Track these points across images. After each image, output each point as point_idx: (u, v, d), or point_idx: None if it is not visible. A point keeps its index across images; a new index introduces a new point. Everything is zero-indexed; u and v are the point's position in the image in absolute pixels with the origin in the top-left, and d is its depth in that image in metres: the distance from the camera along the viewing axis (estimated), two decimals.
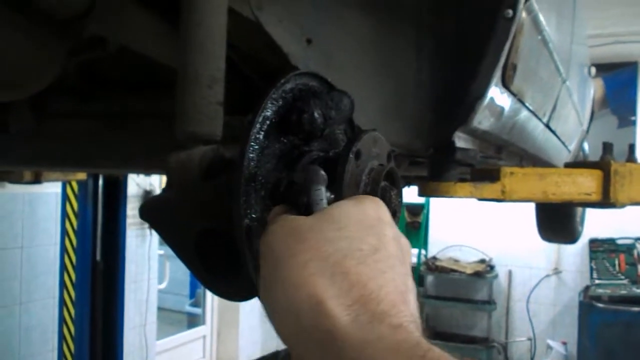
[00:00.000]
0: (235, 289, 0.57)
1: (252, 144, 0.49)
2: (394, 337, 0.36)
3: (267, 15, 0.78)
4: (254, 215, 0.49)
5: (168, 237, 0.60)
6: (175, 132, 0.63)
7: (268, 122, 0.51)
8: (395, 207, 0.55)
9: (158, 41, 0.78)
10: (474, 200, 1.17)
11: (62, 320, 3.37)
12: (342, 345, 0.37)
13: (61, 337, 3.38)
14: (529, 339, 5.71)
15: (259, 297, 0.48)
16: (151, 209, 0.61)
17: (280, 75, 0.55)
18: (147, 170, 1.74)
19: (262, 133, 0.50)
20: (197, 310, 5.78)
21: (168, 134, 1.08)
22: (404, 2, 0.93)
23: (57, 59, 0.81)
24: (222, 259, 0.56)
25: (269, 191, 0.51)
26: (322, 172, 0.48)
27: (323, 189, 0.47)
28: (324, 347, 0.38)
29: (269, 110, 0.51)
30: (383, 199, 0.53)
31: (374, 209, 0.45)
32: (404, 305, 0.39)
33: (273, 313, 0.43)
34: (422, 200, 5.89)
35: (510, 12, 0.84)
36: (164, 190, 0.62)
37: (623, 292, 5.02)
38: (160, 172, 1.80)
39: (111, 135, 1.16)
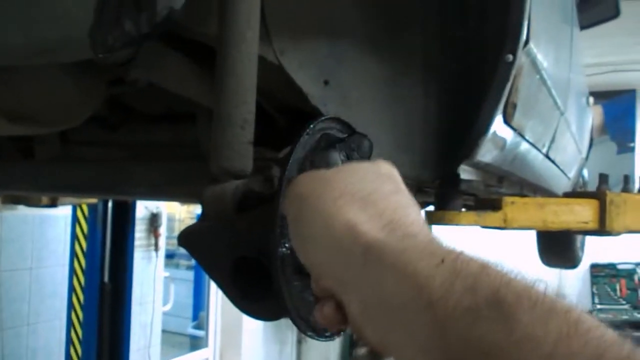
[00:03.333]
0: (267, 310, 0.64)
1: (286, 182, 0.56)
2: (428, 245, 0.40)
3: (288, 59, 0.85)
4: (287, 245, 0.56)
5: (204, 264, 0.67)
6: (210, 167, 0.70)
7: (299, 163, 0.58)
8: None
9: (193, 83, 0.85)
10: (474, 229, 1.23)
11: (69, 342, 3.41)
12: (381, 254, 0.40)
13: (68, 358, 3.41)
14: None
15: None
16: (189, 237, 0.68)
17: (308, 118, 0.63)
18: (169, 198, 1.81)
19: (295, 172, 0.57)
20: (200, 333, 5.79)
21: (189, 163, 1.15)
22: (413, 46, 1.01)
23: (97, 98, 0.89)
24: (255, 284, 0.63)
25: None
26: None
27: (337, 154, 0.54)
28: (363, 259, 0.41)
29: (300, 153, 0.58)
30: None
31: (387, 168, 0.51)
32: (431, 233, 0.43)
33: (310, 247, 0.46)
34: None
35: (511, 57, 0.92)
36: (200, 220, 0.69)
37: (625, 317, 5.04)
38: (180, 200, 1.86)
39: (135, 164, 1.23)
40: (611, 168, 2.83)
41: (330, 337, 0.61)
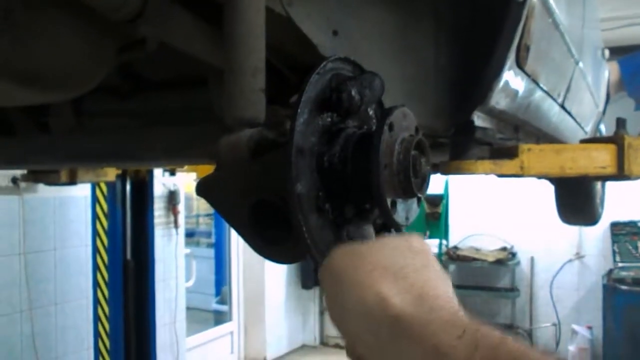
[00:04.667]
0: (286, 253, 0.65)
1: (300, 120, 0.56)
2: (452, 318, 0.43)
3: (296, 10, 0.85)
4: (303, 183, 0.56)
5: (223, 211, 0.68)
6: (224, 117, 0.70)
7: (311, 102, 0.58)
8: (425, 174, 0.62)
9: (200, 40, 0.85)
10: (492, 188, 1.22)
11: (96, 319, 3.48)
12: (408, 325, 0.44)
13: (97, 335, 3.49)
14: (554, 325, 5.72)
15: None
16: (206, 186, 0.69)
17: (317, 62, 0.62)
18: (185, 161, 1.82)
19: (307, 111, 0.58)
20: (224, 308, 5.88)
21: (202, 125, 1.16)
22: None
23: (108, 60, 0.89)
24: (273, 227, 0.64)
25: (314, 162, 0.58)
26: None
27: (372, 228, 0.56)
28: (392, 330, 0.45)
29: (311, 91, 0.58)
30: (414, 166, 0.60)
31: (418, 242, 0.54)
32: (457, 306, 0.47)
33: (345, 316, 0.50)
34: (441, 190, 5.93)
35: None
36: (215, 170, 0.70)
37: None
38: (195, 162, 1.88)
39: (149, 130, 1.24)
40: (630, 125, 2.79)
41: None
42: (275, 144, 0.67)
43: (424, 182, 0.63)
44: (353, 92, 0.59)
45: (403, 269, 0.49)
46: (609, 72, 3.41)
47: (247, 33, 0.69)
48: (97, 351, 3.50)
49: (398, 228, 0.63)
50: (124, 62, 1.14)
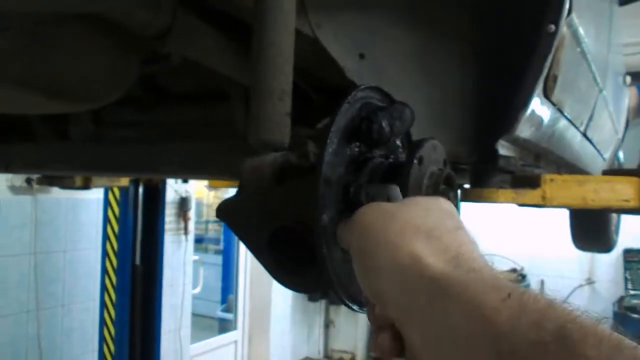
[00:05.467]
0: (304, 282, 0.63)
1: (329, 150, 0.55)
2: (494, 280, 0.41)
3: (324, 32, 0.84)
4: (329, 214, 0.55)
5: (243, 236, 0.67)
6: (249, 140, 0.69)
7: (340, 131, 0.57)
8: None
9: (227, 58, 0.85)
10: (505, 209, 1.20)
11: (102, 322, 3.48)
12: (448, 286, 0.41)
13: (102, 339, 3.48)
14: None
15: (334, 284, 0.54)
16: (227, 210, 0.68)
17: (348, 90, 0.61)
18: (203, 176, 1.82)
19: (336, 141, 0.57)
20: (229, 316, 5.86)
21: (223, 141, 1.15)
22: (448, 19, 0.98)
23: (131, 74, 0.89)
24: (293, 255, 0.62)
25: (340, 192, 0.57)
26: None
27: (398, 189, 0.53)
28: (430, 291, 0.42)
29: (341, 120, 0.57)
30: None
31: (448, 204, 0.53)
32: (496, 269, 0.44)
33: (374, 277, 0.47)
34: None
35: (553, 27, 0.89)
36: (238, 192, 0.69)
37: None
38: (214, 178, 1.87)
39: (168, 144, 1.24)
40: None
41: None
42: (299, 169, 0.66)
43: None
44: (384, 124, 0.58)
45: (435, 229, 0.47)
46: (629, 97, 3.38)
47: (275, 55, 0.68)
48: (101, 355, 3.50)
49: None
50: (147, 74, 1.14)
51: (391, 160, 0.62)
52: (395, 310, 0.46)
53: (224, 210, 0.68)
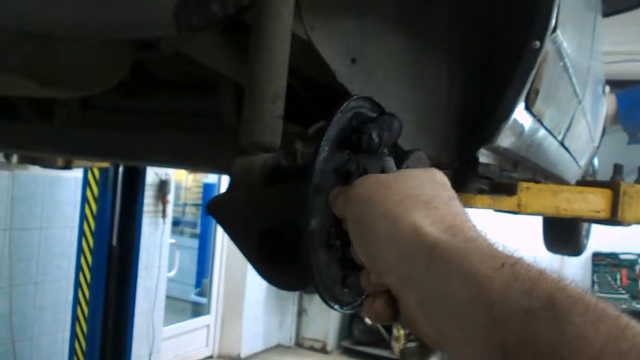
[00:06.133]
0: (291, 281, 0.66)
1: (319, 157, 0.58)
2: (489, 249, 0.43)
3: (318, 35, 0.86)
4: (317, 219, 0.58)
5: (232, 233, 0.69)
6: (241, 140, 0.71)
7: (331, 140, 0.60)
8: None
9: (222, 54, 0.86)
10: (481, 212, 1.24)
11: (76, 301, 3.47)
12: (445, 254, 0.43)
13: (74, 318, 3.48)
14: None
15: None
16: (217, 206, 0.70)
17: (334, 94, 0.64)
18: (190, 167, 1.82)
19: (327, 149, 0.59)
20: (203, 300, 5.88)
21: (210, 133, 1.16)
22: (439, 28, 1.01)
23: (126, 63, 0.90)
24: (281, 255, 0.65)
25: (329, 198, 0.60)
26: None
27: (392, 160, 0.56)
28: (429, 259, 0.44)
29: (333, 130, 0.59)
30: None
31: (440, 175, 0.55)
32: (491, 239, 0.46)
33: (373, 245, 0.49)
34: None
35: (538, 43, 0.92)
36: (228, 190, 0.71)
37: (624, 306, 5.07)
38: (201, 170, 1.88)
39: (156, 133, 1.25)
40: (621, 158, 2.83)
41: (348, 309, 0.63)
42: (288, 171, 0.68)
43: None
44: (373, 135, 0.60)
45: (432, 200, 0.49)
46: (607, 105, 3.46)
47: (271, 60, 0.70)
48: (73, 333, 3.49)
49: None
50: (136, 60, 1.14)
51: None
52: (392, 277, 0.48)
53: (214, 207, 0.70)
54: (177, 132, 1.19)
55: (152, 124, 1.31)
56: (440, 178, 0.54)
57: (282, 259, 0.64)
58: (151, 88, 1.29)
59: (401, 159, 0.61)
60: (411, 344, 0.47)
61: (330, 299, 0.60)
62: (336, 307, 0.61)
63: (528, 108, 1.04)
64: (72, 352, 3.47)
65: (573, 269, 5.72)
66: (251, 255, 0.66)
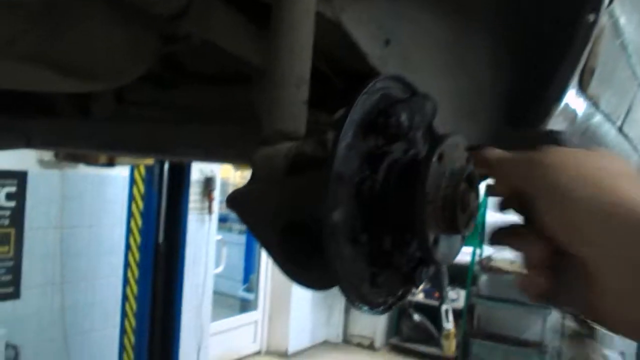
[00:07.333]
0: (314, 279, 0.61)
1: (342, 144, 0.52)
2: None
3: (348, 16, 0.80)
4: (340, 211, 0.52)
5: (252, 227, 0.64)
6: (262, 128, 0.66)
7: (355, 124, 0.54)
8: (473, 209, 0.57)
9: (245, 40, 0.82)
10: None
11: (125, 298, 3.53)
12: None
13: (123, 314, 3.54)
14: None
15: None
16: (237, 200, 0.65)
17: (366, 79, 0.58)
18: (220, 160, 1.80)
19: (350, 134, 0.53)
20: (250, 296, 5.91)
21: (242, 125, 1.13)
22: (478, 7, 0.93)
23: (150, 54, 0.87)
24: (304, 250, 0.60)
25: (353, 189, 0.54)
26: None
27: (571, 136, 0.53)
28: (636, 234, 0.43)
29: (357, 113, 0.54)
30: (462, 201, 0.55)
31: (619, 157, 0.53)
32: None
33: (572, 209, 0.47)
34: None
35: (593, 16, 0.84)
36: (249, 182, 0.66)
37: None
38: (235, 162, 1.86)
39: (190, 127, 1.22)
40: None
41: (378, 310, 0.58)
42: (313, 161, 0.63)
43: (471, 218, 0.57)
44: (402, 118, 0.54)
45: (631, 173, 0.48)
46: None
47: (294, 41, 0.65)
48: (122, 329, 3.56)
49: (437, 266, 0.58)
50: (167, 53, 1.12)
51: (410, 154, 0.59)
52: (586, 246, 0.46)
53: (234, 200, 0.65)
54: (209, 125, 1.16)
55: (186, 116, 1.28)
56: (619, 157, 0.52)
57: (305, 254, 0.59)
58: (184, 81, 1.27)
59: (436, 143, 0.54)
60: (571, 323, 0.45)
61: (357, 298, 0.54)
62: (365, 308, 0.55)
63: (582, 89, 0.95)
64: (122, 347, 3.54)
65: None
66: (272, 249, 0.61)
